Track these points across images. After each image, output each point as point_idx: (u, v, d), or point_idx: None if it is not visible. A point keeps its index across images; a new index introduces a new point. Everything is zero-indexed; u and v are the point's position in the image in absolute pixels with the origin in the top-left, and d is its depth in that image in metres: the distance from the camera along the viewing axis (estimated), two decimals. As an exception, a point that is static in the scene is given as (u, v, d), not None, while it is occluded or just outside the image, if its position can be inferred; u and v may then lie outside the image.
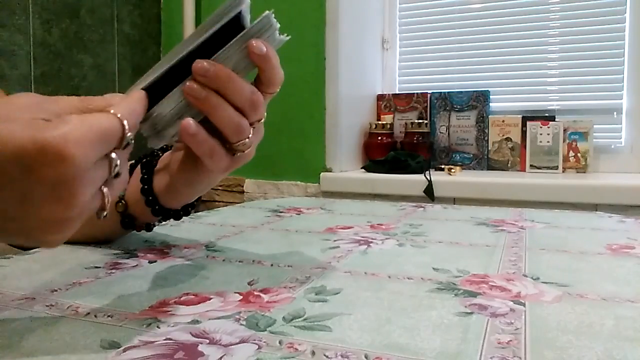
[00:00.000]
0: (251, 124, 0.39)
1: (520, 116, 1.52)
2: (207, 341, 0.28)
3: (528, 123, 1.48)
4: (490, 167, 1.55)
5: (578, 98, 1.52)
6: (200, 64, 0.35)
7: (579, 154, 1.44)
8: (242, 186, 1.62)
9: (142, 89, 0.35)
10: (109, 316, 0.31)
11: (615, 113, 1.48)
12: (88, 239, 0.52)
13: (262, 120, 0.40)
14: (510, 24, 1.58)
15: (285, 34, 0.37)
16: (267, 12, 0.36)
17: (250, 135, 0.39)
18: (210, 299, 0.35)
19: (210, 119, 0.37)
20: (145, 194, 0.47)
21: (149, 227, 0.52)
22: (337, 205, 0.85)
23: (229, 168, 0.41)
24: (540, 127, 1.47)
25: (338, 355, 0.26)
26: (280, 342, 0.27)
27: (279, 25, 0.37)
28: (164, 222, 0.64)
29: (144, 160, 0.50)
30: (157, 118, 0.37)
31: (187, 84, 0.36)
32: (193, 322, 0.30)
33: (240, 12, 0.35)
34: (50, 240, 0.30)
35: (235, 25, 0.36)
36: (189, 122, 0.36)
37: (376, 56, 1.71)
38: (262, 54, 0.36)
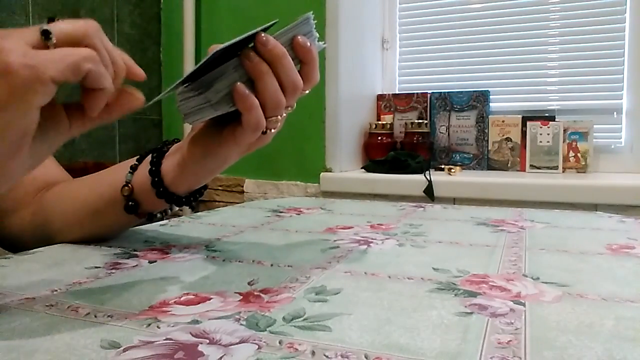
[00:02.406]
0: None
1: (520, 116, 1.52)
2: (207, 341, 0.28)
3: (528, 123, 1.48)
4: (490, 167, 1.55)
5: (578, 98, 1.52)
6: (263, 35, 0.40)
7: (579, 154, 1.44)
8: (242, 186, 1.62)
9: (194, 71, 0.39)
10: (109, 316, 0.31)
11: (615, 113, 1.48)
12: (92, 234, 0.52)
13: (289, 111, 0.44)
14: (510, 24, 1.58)
15: (323, 42, 0.44)
16: (309, 15, 0.42)
17: (281, 115, 0.43)
18: (210, 299, 0.35)
19: (257, 86, 0.41)
20: (152, 174, 0.48)
21: (151, 217, 0.52)
22: (337, 205, 0.85)
23: (250, 147, 0.45)
24: (540, 127, 1.47)
25: (338, 355, 0.26)
26: (280, 342, 0.27)
27: (317, 35, 0.43)
28: (164, 221, 0.64)
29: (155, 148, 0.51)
30: (212, 92, 0.40)
31: (245, 49, 0.40)
32: (193, 322, 0.30)
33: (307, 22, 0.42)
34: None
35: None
36: (242, 85, 0.40)
37: (376, 56, 1.71)
38: (306, 46, 0.41)
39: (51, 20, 0.33)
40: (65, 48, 0.31)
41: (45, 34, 0.31)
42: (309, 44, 0.42)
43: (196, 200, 0.52)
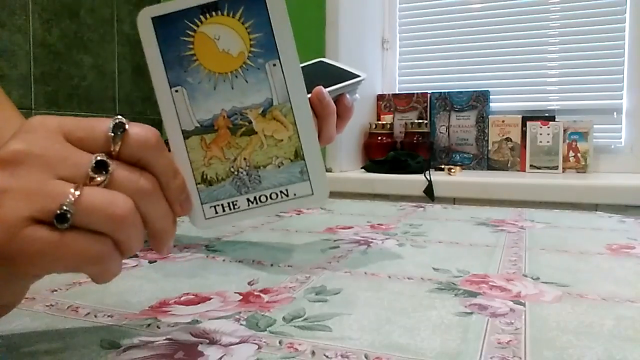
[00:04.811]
0: None
1: (520, 116, 1.52)
2: (207, 341, 0.28)
3: (528, 123, 1.48)
4: (490, 167, 1.55)
5: (578, 98, 1.52)
6: (321, 89, 0.43)
7: (579, 154, 1.44)
8: (242, 186, 1.62)
9: None
10: (109, 316, 0.31)
11: (615, 113, 1.48)
12: None
13: None
14: (510, 24, 1.58)
15: (358, 96, 0.52)
16: (365, 77, 0.50)
17: None
18: (210, 299, 0.35)
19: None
20: None
21: None
22: (337, 205, 0.85)
23: None
24: (540, 127, 1.47)
25: (338, 355, 0.26)
26: (280, 342, 0.27)
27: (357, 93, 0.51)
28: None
29: None
30: None
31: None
32: (193, 322, 0.30)
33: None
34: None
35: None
36: None
37: (376, 56, 1.71)
38: (350, 108, 0.47)
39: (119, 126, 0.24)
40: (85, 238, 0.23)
41: (102, 167, 0.23)
42: (351, 104, 0.45)
43: None
